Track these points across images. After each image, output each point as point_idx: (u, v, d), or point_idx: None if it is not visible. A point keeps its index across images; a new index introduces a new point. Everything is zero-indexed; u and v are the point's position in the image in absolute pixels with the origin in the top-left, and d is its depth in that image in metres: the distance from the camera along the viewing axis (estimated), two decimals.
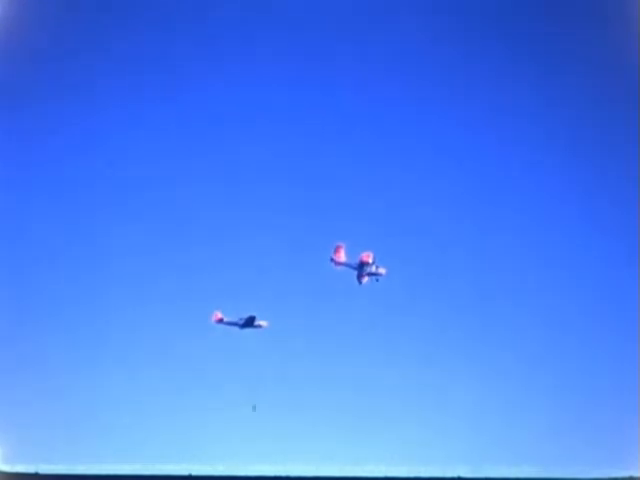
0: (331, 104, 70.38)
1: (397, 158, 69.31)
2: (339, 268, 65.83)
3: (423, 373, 63.25)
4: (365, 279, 65.91)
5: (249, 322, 66.44)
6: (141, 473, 55.47)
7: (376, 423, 61.15)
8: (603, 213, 66.78)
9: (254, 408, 61.76)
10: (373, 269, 65.71)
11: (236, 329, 66.58)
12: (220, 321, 66.57)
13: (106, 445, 59.18)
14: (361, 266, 65.72)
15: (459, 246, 67.18)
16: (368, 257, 65.39)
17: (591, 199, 67.64)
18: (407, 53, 69.96)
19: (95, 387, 62.45)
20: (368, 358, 63.96)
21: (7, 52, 65.05)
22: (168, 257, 67.18)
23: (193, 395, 62.69)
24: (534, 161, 69.02)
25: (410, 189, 68.67)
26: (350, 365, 63.97)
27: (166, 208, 68.25)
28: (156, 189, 68.56)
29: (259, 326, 66.52)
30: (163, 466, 56.35)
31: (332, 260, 65.64)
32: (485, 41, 69.62)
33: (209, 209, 68.51)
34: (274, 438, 60.13)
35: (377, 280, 65.84)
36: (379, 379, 63.10)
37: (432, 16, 68.93)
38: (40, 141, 68.48)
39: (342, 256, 65.82)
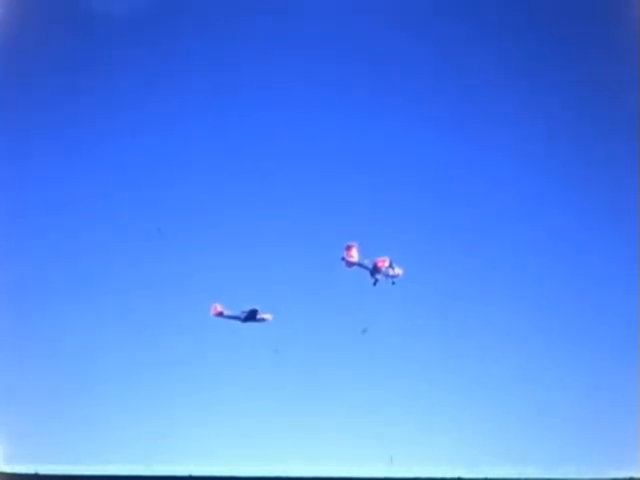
0: (345, 106, 69.70)
1: (411, 156, 69.03)
2: (352, 268, 63.29)
3: (423, 373, 63.29)
4: (380, 278, 63.33)
5: (251, 315, 63.00)
6: (141, 473, 55.53)
7: (376, 423, 61.13)
8: (603, 214, 66.93)
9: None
10: (390, 272, 63.34)
11: (237, 324, 63.66)
12: (220, 314, 63.35)
13: (106, 445, 59.09)
14: (376, 270, 63.41)
15: (467, 248, 66.39)
16: (384, 262, 63.23)
17: (592, 199, 67.78)
18: (411, 59, 69.83)
19: (95, 387, 62.44)
20: (369, 357, 63.65)
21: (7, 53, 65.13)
22: (165, 251, 66.57)
23: (193, 395, 62.63)
24: (541, 162, 68.99)
25: (424, 188, 68.20)
26: (351, 364, 63.80)
27: (166, 200, 67.49)
28: (158, 184, 68.36)
29: (262, 319, 63.23)
30: (163, 466, 56.38)
31: (343, 259, 63.30)
32: (482, 41, 69.72)
33: (212, 201, 67.46)
34: (274, 438, 60.10)
35: (393, 283, 63.93)
36: (379, 378, 63.03)
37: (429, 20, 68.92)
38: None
39: (354, 255, 63.22)
